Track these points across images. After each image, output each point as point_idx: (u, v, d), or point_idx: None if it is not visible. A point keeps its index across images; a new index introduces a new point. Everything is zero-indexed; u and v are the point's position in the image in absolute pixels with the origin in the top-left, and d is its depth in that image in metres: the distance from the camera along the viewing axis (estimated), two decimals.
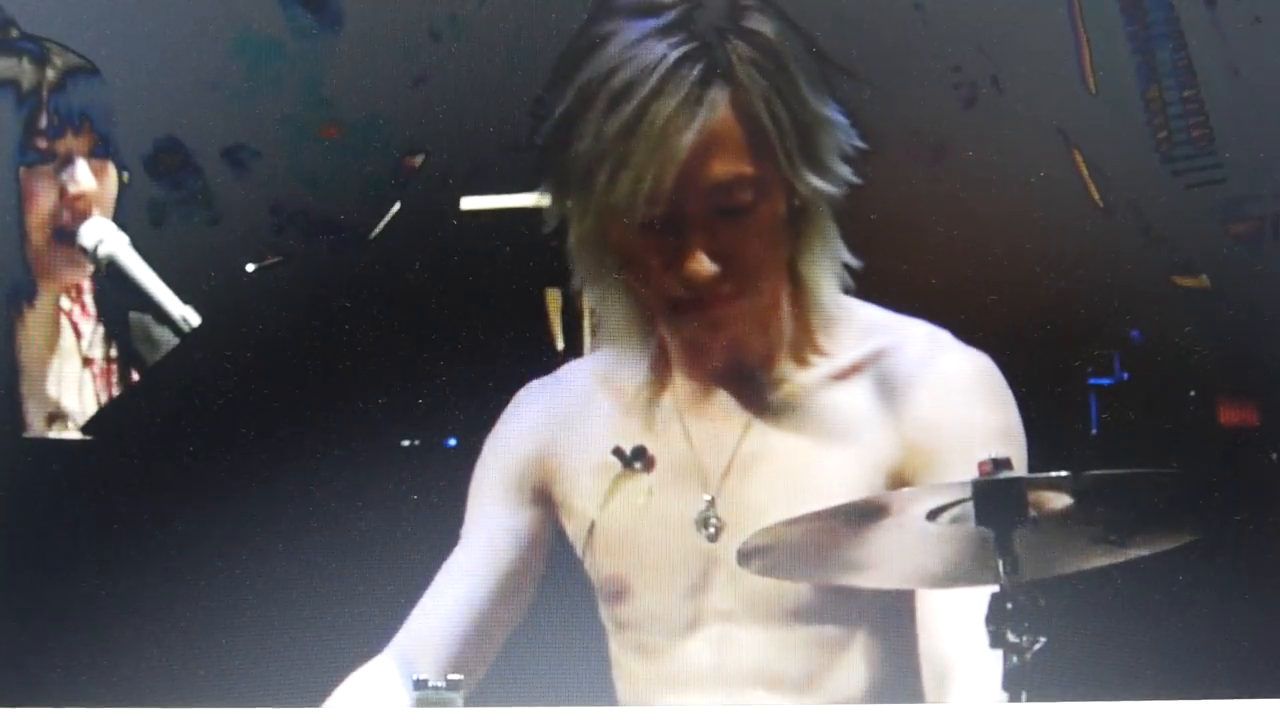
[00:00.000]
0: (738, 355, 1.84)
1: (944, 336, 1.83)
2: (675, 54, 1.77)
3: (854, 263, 1.83)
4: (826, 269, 1.83)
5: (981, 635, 1.64)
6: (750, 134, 1.78)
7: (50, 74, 1.90)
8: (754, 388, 1.84)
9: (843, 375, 1.83)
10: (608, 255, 1.82)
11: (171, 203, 1.90)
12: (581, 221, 1.80)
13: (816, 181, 1.79)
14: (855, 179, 1.81)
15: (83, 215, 1.92)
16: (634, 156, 1.76)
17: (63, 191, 1.91)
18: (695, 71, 1.76)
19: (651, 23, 1.78)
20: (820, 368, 1.84)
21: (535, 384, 1.88)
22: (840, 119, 1.81)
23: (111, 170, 1.91)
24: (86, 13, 1.90)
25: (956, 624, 1.73)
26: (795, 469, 1.82)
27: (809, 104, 1.80)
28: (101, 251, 1.90)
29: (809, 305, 1.83)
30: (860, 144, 1.81)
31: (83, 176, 1.91)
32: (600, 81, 1.78)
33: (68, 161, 1.91)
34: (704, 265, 1.79)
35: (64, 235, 1.92)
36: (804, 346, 1.84)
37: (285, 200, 1.89)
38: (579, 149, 1.78)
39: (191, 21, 1.89)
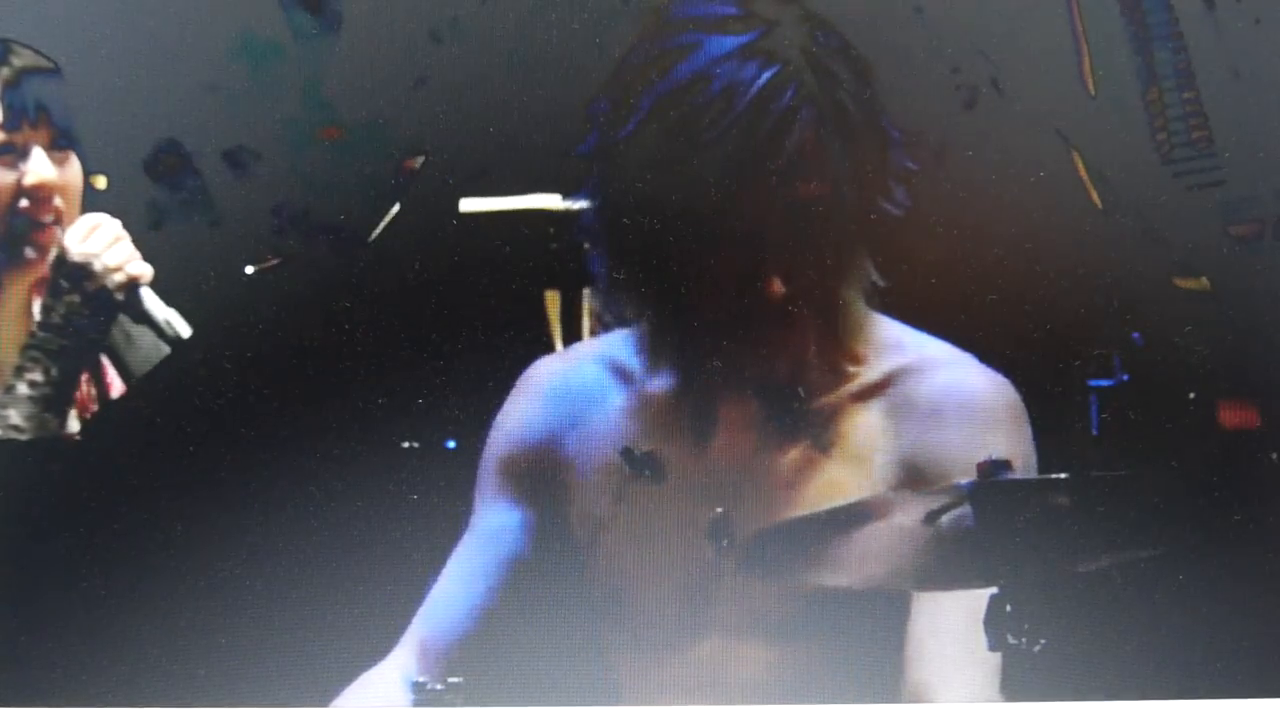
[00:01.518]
0: (765, 368, 1.83)
1: (965, 360, 1.82)
2: (768, 74, 1.78)
3: (880, 281, 1.84)
4: (860, 286, 1.83)
5: (965, 666, 1.65)
6: (834, 157, 1.79)
7: (6, 71, 1.90)
8: (776, 402, 1.84)
9: (863, 395, 1.83)
10: (663, 266, 1.82)
11: (171, 205, 1.90)
12: (640, 227, 1.81)
13: (888, 206, 1.81)
14: (908, 201, 1.83)
15: (43, 204, 1.91)
16: (723, 172, 1.77)
17: (20, 181, 1.91)
18: (788, 94, 1.78)
19: (734, 40, 1.79)
20: (843, 387, 1.83)
21: (544, 364, 1.88)
22: (897, 136, 1.83)
23: (74, 161, 1.91)
24: (85, 14, 1.90)
25: (942, 659, 1.75)
26: (812, 487, 1.82)
27: (880, 126, 1.81)
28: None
29: (843, 321, 1.83)
30: (911, 165, 1.83)
31: (40, 166, 1.90)
32: (686, 93, 1.79)
33: (25, 153, 1.91)
34: (777, 286, 1.79)
35: (27, 224, 1.92)
36: (832, 363, 1.84)
37: (285, 202, 1.89)
38: (657, 157, 1.79)
39: (191, 24, 1.89)
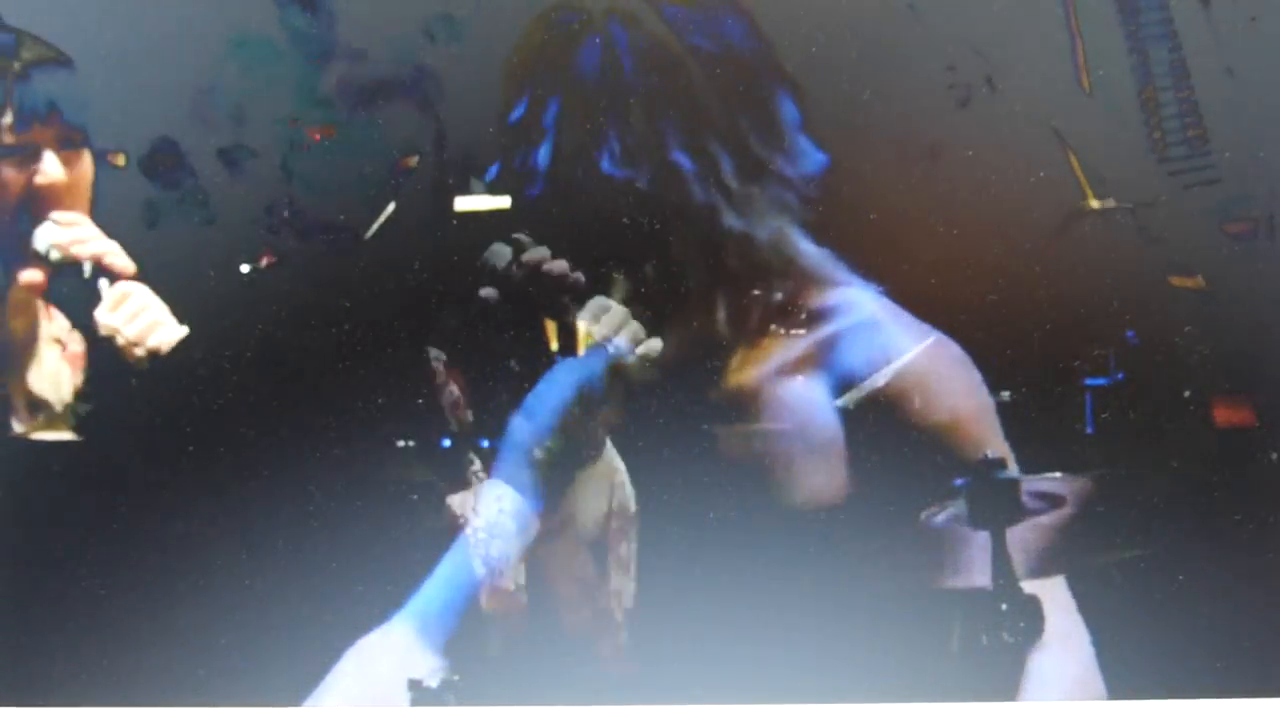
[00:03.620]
0: (694, 341, 1.83)
1: (884, 316, 1.81)
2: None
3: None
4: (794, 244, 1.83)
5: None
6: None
7: (16, 65, 1.90)
8: (706, 380, 1.83)
9: (791, 369, 1.82)
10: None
11: (166, 203, 1.90)
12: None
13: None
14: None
15: (51, 206, 1.91)
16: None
17: (30, 182, 1.91)
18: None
19: None
20: (771, 360, 1.83)
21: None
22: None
23: (86, 159, 1.91)
24: (80, 11, 1.90)
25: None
26: (782, 472, 1.81)
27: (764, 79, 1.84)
28: (54, 256, 1.91)
29: (792, 277, 1.83)
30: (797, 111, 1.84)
31: (50, 168, 1.91)
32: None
33: (35, 154, 1.91)
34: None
35: (32, 224, 1.92)
36: (772, 332, 1.83)
37: (281, 200, 1.89)
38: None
39: (186, 22, 1.90)
